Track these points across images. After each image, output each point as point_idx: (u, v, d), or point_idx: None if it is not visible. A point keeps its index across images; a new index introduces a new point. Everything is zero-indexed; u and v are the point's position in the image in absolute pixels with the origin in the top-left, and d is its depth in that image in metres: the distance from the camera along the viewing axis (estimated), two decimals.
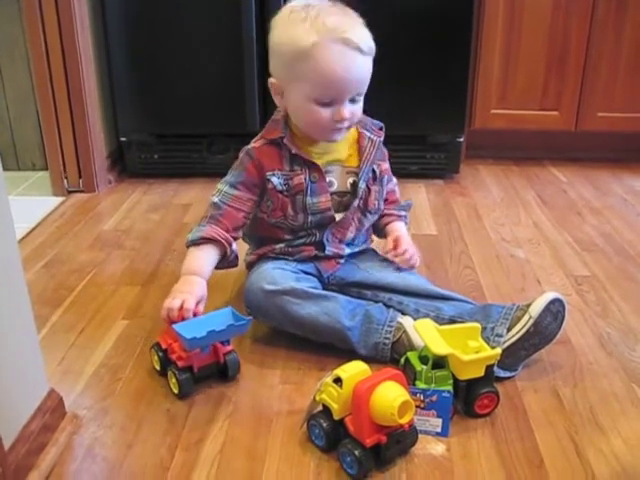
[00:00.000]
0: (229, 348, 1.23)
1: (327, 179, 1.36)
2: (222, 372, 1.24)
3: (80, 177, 2.27)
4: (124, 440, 1.11)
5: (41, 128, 2.26)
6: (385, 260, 1.45)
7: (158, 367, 1.26)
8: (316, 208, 1.36)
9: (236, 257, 1.39)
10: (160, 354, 1.24)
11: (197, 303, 1.23)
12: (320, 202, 1.36)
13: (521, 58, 2.42)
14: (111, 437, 1.12)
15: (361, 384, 1.01)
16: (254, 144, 1.37)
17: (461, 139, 2.38)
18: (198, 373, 1.20)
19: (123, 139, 2.38)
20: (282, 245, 1.41)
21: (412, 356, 1.18)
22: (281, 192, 1.34)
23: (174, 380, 1.19)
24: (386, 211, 1.49)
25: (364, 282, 1.40)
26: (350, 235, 1.43)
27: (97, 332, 1.43)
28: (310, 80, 1.24)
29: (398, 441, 1.04)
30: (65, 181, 2.26)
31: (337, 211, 1.39)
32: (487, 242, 1.90)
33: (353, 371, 1.04)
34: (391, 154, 1.50)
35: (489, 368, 1.14)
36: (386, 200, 1.49)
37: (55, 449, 1.08)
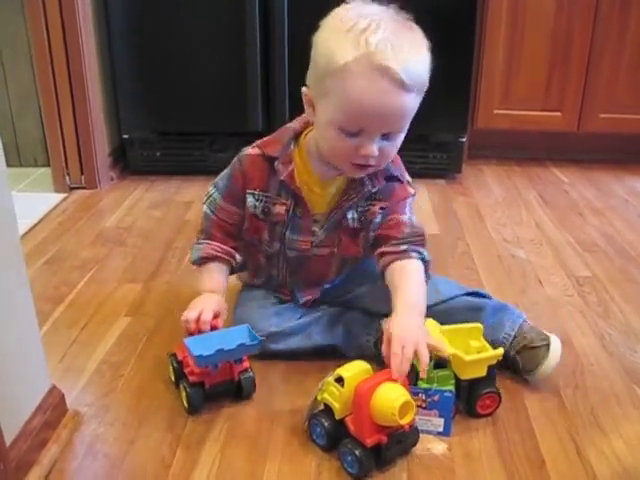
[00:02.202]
0: (245, 366, 1.18)
1: (312, 228, 1.25)
2: (236, 391, 1.19)
3: (82, 174, 2.27)
4: (125, 437, 1.10)
5: (43, 124, 2.27)
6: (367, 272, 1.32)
7: (173, 378, 1.22)
8: (294, 246, 1.26)
9: (244, 263, 1.36)
10: (175, 365, 1.20)
11: (215, 317, 1.18)
12: (299, 241, 1.26)
13: (524, 58, 2.42)
14: (112, 434, 1.11)
15: (362, 384, 1.01)
16: (251, 150, 1.24)
17: (463, 139, 2.38)
18: (209, 390, 1.16)
19: (125, 136, 2.38)
20: (259, 281, 1.36)
21: None
22: (255, 215, 1.24)
23: (184, 394, 1.15)
24: (384, 249, 1.21)
25: (345, 303, 1.34)
26: (329, 277, 1.34)
27: (99, 329, 1.43)
28: (336, 103, 1.06)
29: (399, 441, 1.03)
30: (67, 178, 2.26)
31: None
32: (489, 242, 1.90)
33: (355, 370, 1.03)
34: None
35: (491, 368, 1.14)
36: (386, 238, 1.22)
37: (56, 446, 1.08)
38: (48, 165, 2.31)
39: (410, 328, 1.07)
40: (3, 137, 2.38)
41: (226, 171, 1.28)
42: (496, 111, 2.49)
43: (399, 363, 1.02)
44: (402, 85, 1.03)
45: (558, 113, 2.49)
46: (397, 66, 1.02)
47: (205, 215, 1.29)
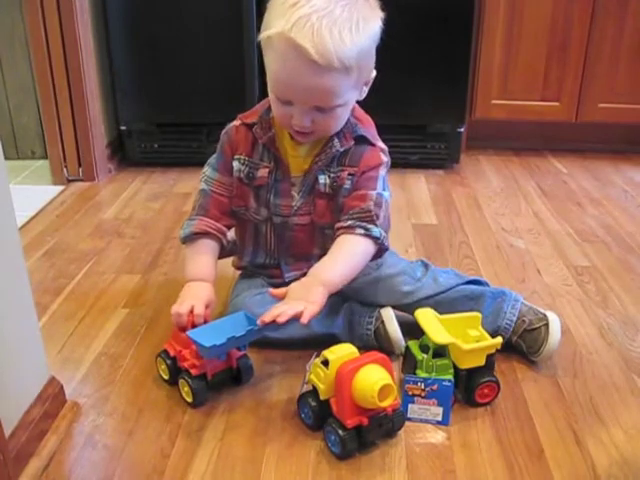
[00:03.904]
0: (242, 352, 1.19)
1: (291, 191, 1.25)
2: (235, 377, 1.20)
3: (80, 166, 2.26)
4: (124, 428, 1.11)
5: (41, 116, 2.26)
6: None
7: (166, 376, 1.20)
8: (279, 211, 1.26)
9: (234, 243, 1.37)
10: (168, 362, 1.18)
11: (206, 307, 1.18)
12: (282, 206, 1.26)
13: (522, 48, 2.41)
14: (111, 425, 1.12)
15: (344, 366, 1.02)
16: (235, 122, 1.26)
17: (462, 129, 2.37)
18: (212, 380, 1.15)
19: (123, 128, 2.37)
20: (247, 259, 1.35)
21: (413, 345, 1.18)
22: (240, 180, 1.25)
23: (187, 389, 1.14)
24: (338, 224, 1.21)
25: (342, 295, 1.31)
26: (316, 252, 1.30)
27: (97, 320, 1.42)
28: (269, 72, 1.11)
29: (380, 424, 1.04)
30: (65, 170, 2.25)
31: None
32: (487, 232, 1.90)
33: (340, 353, 1.05)
34: (390, 151, 1.28)
35: (490, 357, 1.14)
36: (347, 209, 1.21)
37: (55, 437, 1.08)
38: (46, 157, 2.31)
39: (300, 295, 1.11)
40: (1, 130, 2.40)
41: (218, 148, 1.30)
42: (494, 101, 2.49)
43: (275, 312, 1.07)
44: (315, 65, 1.02)
45: (556, 103, 2.48)
46: (310, 46, 1.00)
47: (202, 191, 1.30)
